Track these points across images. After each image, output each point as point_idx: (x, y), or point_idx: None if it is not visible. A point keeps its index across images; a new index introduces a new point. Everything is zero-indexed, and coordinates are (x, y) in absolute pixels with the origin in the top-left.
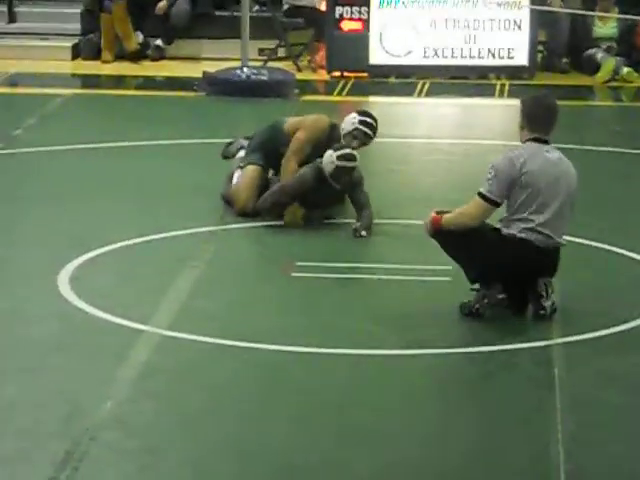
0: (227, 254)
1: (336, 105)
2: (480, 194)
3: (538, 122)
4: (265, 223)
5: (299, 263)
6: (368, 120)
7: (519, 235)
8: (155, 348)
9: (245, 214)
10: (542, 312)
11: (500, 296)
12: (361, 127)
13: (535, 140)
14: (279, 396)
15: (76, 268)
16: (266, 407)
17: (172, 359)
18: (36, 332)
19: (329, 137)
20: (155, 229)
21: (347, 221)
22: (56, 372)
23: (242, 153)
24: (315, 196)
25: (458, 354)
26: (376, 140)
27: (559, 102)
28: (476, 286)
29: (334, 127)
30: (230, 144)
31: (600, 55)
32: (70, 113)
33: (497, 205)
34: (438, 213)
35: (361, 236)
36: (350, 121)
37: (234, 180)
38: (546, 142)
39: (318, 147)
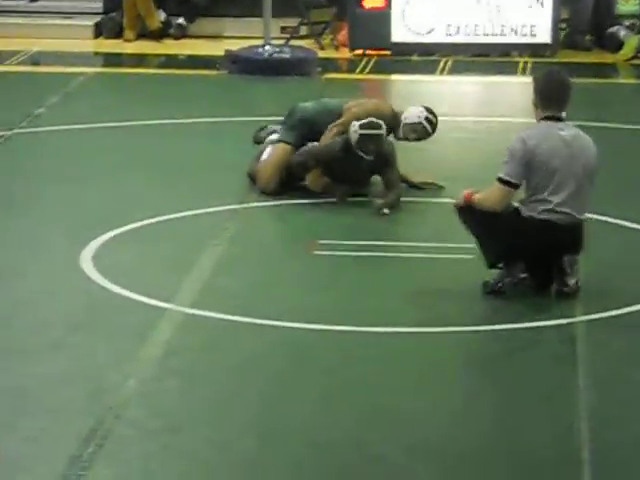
0: (250, 232)
1: (358, 83)
2: (499, 178)
3: (551, 99)
4: (288, 202)
5: (322, 241)
6: (432, 118)
7: (539, 217)
8: (178, 326)
9: (267, 192)
10: (566, 289)
11: (522, 275)
12: (425, 123)
13: (548, 118)
14: (302, 375)
15: (99, 246)
16: (289, 386)
17: (195, 337)
18: (59, 310)
19: (388, 123)
20: (178, 207)
21: (370, 199)
22: (79, 350)
23: (274, 136)
24: (343, 168)
25: (481, 332)
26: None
27: (582, 80)
28: (501, 265)
29: (395, 115)
30: (262, 129)
31: (623, 32)
32: (92, 92)
33: (516, 187)
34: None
35: (384, 214)
36: (416, 114)
37: (263, 156)
38: (560, 119)
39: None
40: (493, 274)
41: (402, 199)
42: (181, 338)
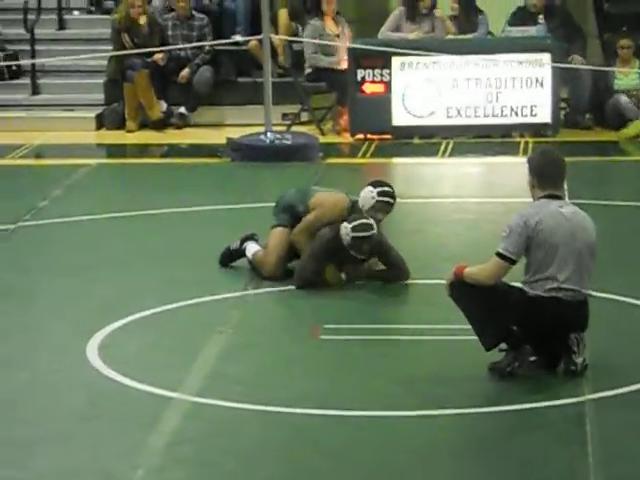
0: (254, 319)
1: (360, 167)
2: (497, 253)
3: (547, 178)
4: (291, 287)
5: (327, 326)
6: (385, 189)
7: (547, 295)
8: (185, 415)
9: (274, 277)
10: (573, 368)
11: (532, 358)
12: (381, 199)
13: (547, 197)
14: (308, 460)
15: (104, 337)
16: (296, 471)
17: (202, 426)
18: (66, 401)
19: (349, 215)
20: (182, 296)
21: (374, 283)
22: (86, 441)
23: (251, 245)
24: (340, 261)
25: (486, 413)
26: (402, 201)
27: (584, 158)
28: (503, 346)
29: (354, 205)
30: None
31: (623, 99)
32: (95, 183)
33: (513, 263)
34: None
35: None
36: (368, 197)
37: (252, 250)
38: (559, 197)
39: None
40: (501, 357)
41: (408, 281)
42: (188, 427)
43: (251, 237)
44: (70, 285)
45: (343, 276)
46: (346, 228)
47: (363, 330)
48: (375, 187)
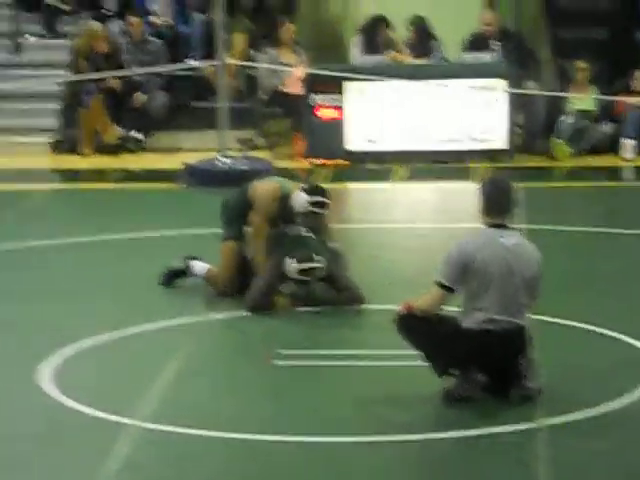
0: (209, 344)
1: None
2: (435, 281)
3: (494, 206)
4: (245, 312)
5: (282, 351)
6: (319, 200)
7: (477, 327)
8: (138, 441)
9: (227, 294)
10: (525, 393)
11: (480, 377)
12: (314, 209)
13: (493, 225)
14: None
15: (58, 364)
16: None
17: (155, 452)
18: (18, 428)
19: (282, 208)
20: (136, 322)
21: (330, 308)
22: (38, 468)
23: (195, 263)
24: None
25: (440, 439)
26: (357, 226)
27: (538, 184)
28: (456, 371)
29: (286, 198)
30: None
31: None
32: (50, 209)
33: (451, 291)
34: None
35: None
36: (302, 204)
37: (200, 268)
38: (504, 227)
39: (274, 217)
40: (451, 382)
41: (362, 307)
42: (141, 454)
43: (194, 257)
44: (20, 311)
45: (290, 303)
46: (289, 266)
47: (317, 356)
48: (310, 196)
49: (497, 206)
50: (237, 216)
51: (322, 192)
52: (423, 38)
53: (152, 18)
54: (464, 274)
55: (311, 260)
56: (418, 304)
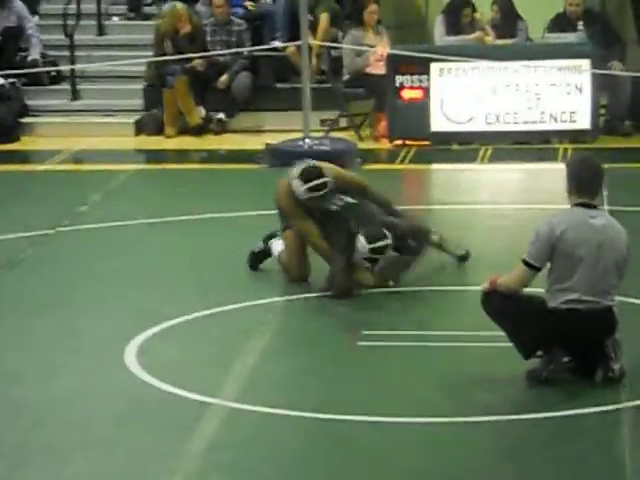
0: (292, 325)
1: (398, 173)
2: (523, 260)
3: (584, 186)
4: (329, 292)
5: (365, 332)
6: (312, 184)
7: (564, 307)
8: (223, 420)
9: (299, 280)
10: (610, 374)
11: (565, 359)
12: (312, 194)
13: (581, 205)
14: (348, 467)
15: (143, 342)
16: (336, 478)
17: (240, 431)
18: (104, 406)
19: (298, 200)
20: (220, 301)
21: (413, 289)
22: (124, 446)
23: (276, 244)
24: (342, 236)
25: (522, 420)
26: (441, 207)
27: (622, 165)
28: (540, 352)
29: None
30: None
31: None
32: (134, 188)
33: (537, 270)
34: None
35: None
36: (300, 192)
37: (278, 249)
38: (593, 206)
39: (303, 210)
40: (535, 362)
41: (446, 288)
42: (226, 433)
43: (273, 235)
44: (108, 290)
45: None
46: (364, 247)
47: (402, 336)
48: (304, 183)
49: (587, 185)
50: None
51: (316, 174)
52: (508, 18)
53: None
54: (552, 254)
55: (382, 238)
56: (502, 280)
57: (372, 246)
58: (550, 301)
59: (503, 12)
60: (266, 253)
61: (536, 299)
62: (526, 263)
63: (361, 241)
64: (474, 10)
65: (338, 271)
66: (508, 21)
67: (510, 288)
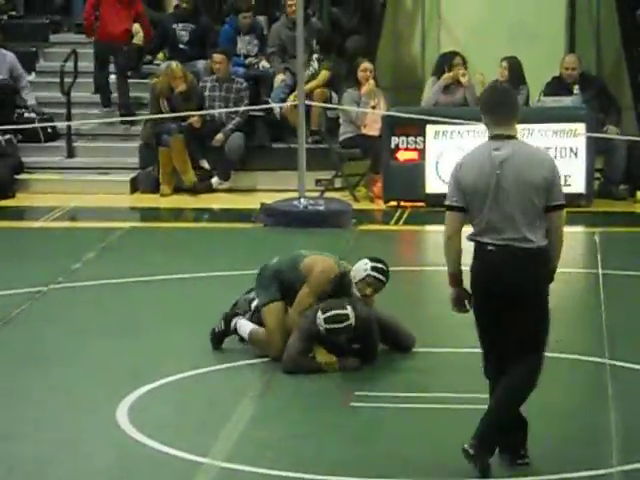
0: (284, 384)
1: (394, 234)
2: (444, 206)
3: (492, 115)
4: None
5: (357, 393)
6: (379, 266)
7: (487, 248)
8: None
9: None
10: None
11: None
12: (373, 273)
13: (492, 137)
14: None
15: (135, 400)
16: None
17: None
18: (95, 464)
19: (336, 286)
20: (213, 361)
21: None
22: None
23: (242, 322)
24: (331, 344)
25: None
26: (432, 268)
27: (617, 229)
28: None
29: (343, 275)
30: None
31: None
32: (129, 246)
33: (459, 209)
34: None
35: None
36: (362, 268)
37: (247, 329)
38: (503, 137)
39: (325, 296)
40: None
41: (437, 350)
42: None
43: (234, 314)
44: (102, 348)
45: (334, 359)
46: (319, 319)
47: (393, 398)
48: (371, 262)
49: (494, 113)
50: (277, 278)
51: (383, 262)
52: (513, 79)
53: (245, 59)
54: (463, 192)
55: (337, 308)
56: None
57: (326, 315)
58: (471, 238)
59: (511, 71)
60: (225, 334)
61: None
62: (447, 207)
63: (319, 315)
64: (465, 66)
65: (294, 346)
66: (513, 83)
67: (449, 237)
